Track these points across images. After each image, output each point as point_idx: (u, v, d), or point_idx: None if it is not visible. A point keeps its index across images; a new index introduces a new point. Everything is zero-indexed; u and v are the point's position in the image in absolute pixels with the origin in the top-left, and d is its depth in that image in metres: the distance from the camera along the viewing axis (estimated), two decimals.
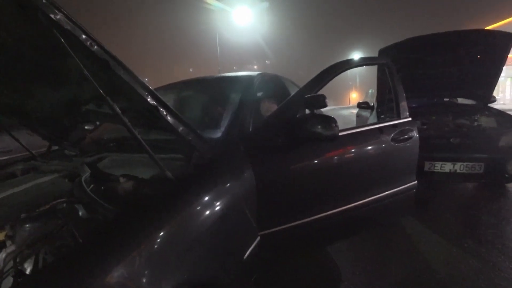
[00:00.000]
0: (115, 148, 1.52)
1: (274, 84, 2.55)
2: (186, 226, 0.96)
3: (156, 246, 0.85)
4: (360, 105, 4.90)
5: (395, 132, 1.80)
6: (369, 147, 1.66)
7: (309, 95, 1.45)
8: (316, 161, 1.45)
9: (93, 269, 0.73)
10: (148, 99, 0.92)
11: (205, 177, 1.12)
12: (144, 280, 0.79)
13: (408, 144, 1.83)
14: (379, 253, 2.06)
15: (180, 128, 1.03)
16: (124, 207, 0.93)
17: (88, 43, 0.77)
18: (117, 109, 0.86)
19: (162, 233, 0.87)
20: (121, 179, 1.13)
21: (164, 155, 1.25)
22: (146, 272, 0.80)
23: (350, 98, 56.17)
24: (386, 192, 1.70)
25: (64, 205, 1.00)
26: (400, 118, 1.93)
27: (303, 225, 1.41)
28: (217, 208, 1.08)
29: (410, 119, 1.97)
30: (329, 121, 1.35)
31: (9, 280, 0.77)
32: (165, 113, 0.97)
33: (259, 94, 2.06)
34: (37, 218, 0.93)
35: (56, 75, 1.08)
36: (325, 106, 1.40)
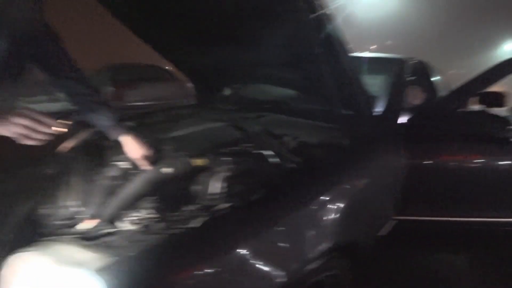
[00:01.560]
0: (271, 109, 1.72)
1: (420, 70, 2.38)
2: (344, 194, 1.07)
3: (319, 208, 0.97)
4: None
5: None
6: None
7: (484, 91, 1.33)
8: (476, 162, 1.36)
9: (266, 216, 0.87)
10: (349, 68, 1.01)
11: (365, 151, 1.21)
12: (304, 239, 0.91)
13: None
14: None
15: (360, 101, 1.13)
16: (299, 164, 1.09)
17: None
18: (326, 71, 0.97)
19: (326, 197, 0.99)
20: (286, 138, 1.31)
21: (322, 124, 1.39)
22: (307, 232, 0.92)
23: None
24: None
25: (251, 150, 1.23)
26: None
27: (442, 223, 1.38)
28: (369, 181, 1.17)
29: None
30: (505, 122, 1.23)
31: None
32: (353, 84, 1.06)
33: (408, 78, 1.98)
34: (230, 155, 1.18)
35: (254, 37, 1.28)
36: (502, 106, 1.27)
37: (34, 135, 0.84)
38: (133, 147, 1.18)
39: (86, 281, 0.62)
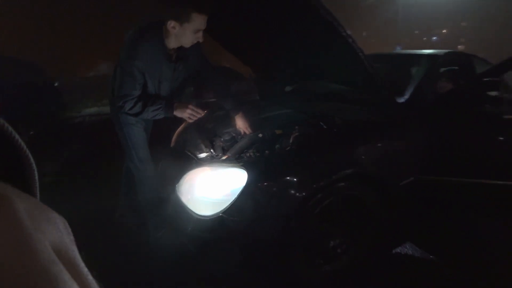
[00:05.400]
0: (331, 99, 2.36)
1: (459, 64, 2.73)
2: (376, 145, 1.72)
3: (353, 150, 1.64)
4: None
5: None
6: None
7: (486, 79, 1.78)
8: (477, 134, 1.85)
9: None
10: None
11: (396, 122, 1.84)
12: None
13: None
14: None
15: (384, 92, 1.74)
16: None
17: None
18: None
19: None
20: (336, 119, 1.95)
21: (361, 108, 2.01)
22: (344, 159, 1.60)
23: None
24: None
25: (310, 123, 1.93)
26: None
27: (454, 184, 1.88)
28: (398, 141, 1.80)
29: None
30: (496, 102, 1.69)
31: None
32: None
33: (442, 70, 2.42)
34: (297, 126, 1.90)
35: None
36: (496, 90, 1.72)
37: (194, 117, 1.69)
38: (243, 121, 1.98)
39: (236, 172, 1.39)
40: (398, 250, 2.07)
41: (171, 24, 1.59)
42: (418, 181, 1.91)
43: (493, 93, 1.83)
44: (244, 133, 2.00)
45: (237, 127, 2.06)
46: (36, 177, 0.31)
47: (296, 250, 1.54)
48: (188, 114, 1.72)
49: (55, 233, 0.24)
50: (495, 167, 1.82)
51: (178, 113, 1.75)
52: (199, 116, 1.74)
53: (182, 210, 1.58)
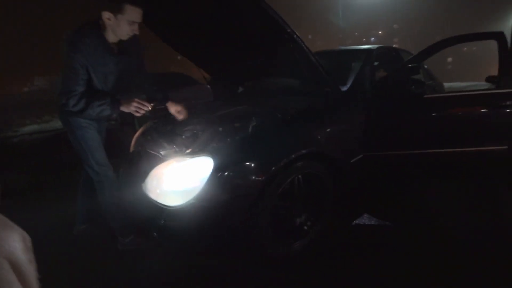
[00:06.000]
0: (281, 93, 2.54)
1: (389, 55, 3.13)
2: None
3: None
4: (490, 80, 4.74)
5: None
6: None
7: (410, 65, 2.10)
8: (406, 112, 2.18)
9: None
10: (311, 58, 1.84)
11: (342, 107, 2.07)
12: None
13: None
14: None
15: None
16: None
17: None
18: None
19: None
20: (290, 108, 2.12)
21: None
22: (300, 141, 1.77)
23: None
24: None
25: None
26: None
27: (391, 156, 2.16)
28: (345, 123, 2.02)
29: None
30: (419, 84, 2.01)
31: None
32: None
33: (376, 63, 2.74)
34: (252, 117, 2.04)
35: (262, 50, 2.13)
36: (417, 74, 2.05)
37: (140, 111, 1.74)
38: (175, 106, 2.08)
39: (202, 161, 1.47)
40: (357, 221, 2.29)
41: (105, 15, 1.65)
42: (366, 157, 2.17)
43: (417, 77, 2.17)
44: (205, 128, 2.07)
45: (172, 113, 2.13)
46: None
47: (266, 230, 1.66)
48: (134, 107, 1.75)
49: (10, 250, 0.23)
50: (423, 139, 2.15)
51: (124, 108, 1.77)
52: (145, 109, 1.77)
53: (151, 207, 1.61)
